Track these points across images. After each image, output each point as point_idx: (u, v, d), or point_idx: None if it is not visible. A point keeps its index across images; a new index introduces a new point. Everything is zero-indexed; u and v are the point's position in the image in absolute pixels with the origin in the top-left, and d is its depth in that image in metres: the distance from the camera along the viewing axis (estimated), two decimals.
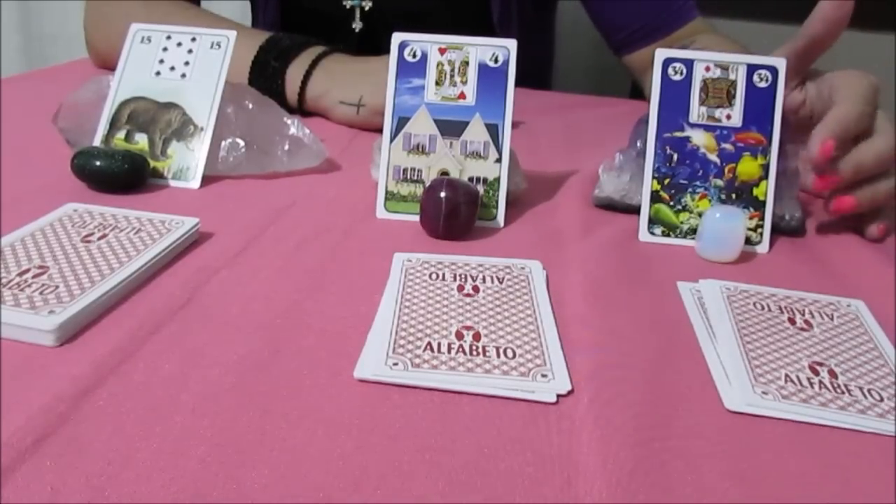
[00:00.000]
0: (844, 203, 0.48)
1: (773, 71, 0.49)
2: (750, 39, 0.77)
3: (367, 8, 0.88)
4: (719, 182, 0.49)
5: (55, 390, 0.29)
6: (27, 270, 0.37)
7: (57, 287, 0.35)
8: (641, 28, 0.86)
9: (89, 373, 0.31)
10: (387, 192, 0.50)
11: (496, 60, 0.50)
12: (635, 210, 0.50)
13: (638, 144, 0.51)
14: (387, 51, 0.51)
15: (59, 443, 0.27)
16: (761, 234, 0.48)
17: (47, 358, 0.32)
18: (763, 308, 0.39)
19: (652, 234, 0.48)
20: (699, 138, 0.49)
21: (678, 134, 0.49)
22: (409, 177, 0.50)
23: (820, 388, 0.32)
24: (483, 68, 0.50)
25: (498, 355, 0.33)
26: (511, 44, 0.50)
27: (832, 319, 0.38)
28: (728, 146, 0.49)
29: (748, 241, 0.47)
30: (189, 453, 0.27)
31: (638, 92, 0.94)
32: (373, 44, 0.84)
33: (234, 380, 0.31)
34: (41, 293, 0.35)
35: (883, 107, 0.53)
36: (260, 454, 0.27)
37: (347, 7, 0.88)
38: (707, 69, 0.49)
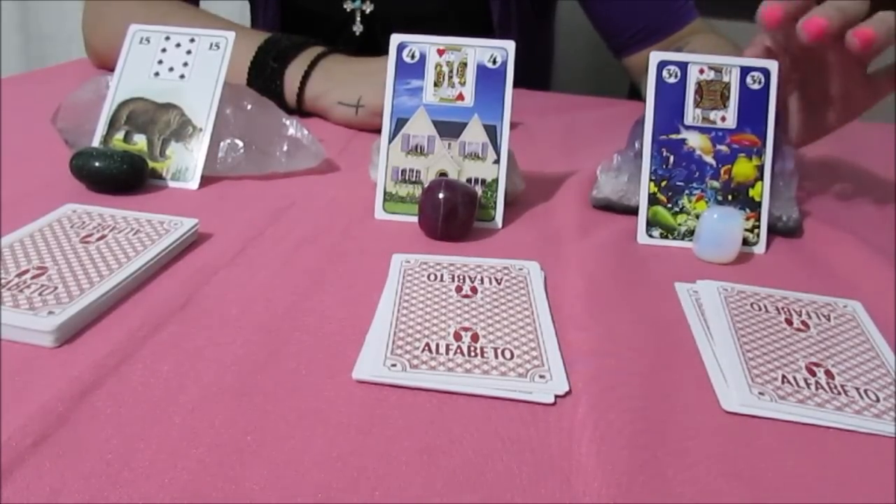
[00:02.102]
0: (812, 25, 0.45)
1: (766, 73, 0.49)
2: (749, 40, 0.76)
3: (367, 11, 0.88)
4: (715, 184, 0.49)
5: (55, 391, 0.29)
6: (26, 271, 0.37)
7: (56, 288, 0.35)
8: (641, 30, 0.86)
9: (89, 373, 0.31)
10: (385, 193, 0.50)
11: (494, 62, 0.51)
12: (633, 211, 0.50)
13: (636, 145, 0.51)
14: (387, 54, 0.51)
15: (58, 443, 0.27)
16: (758, 234, 0.48)
17: (46, 359, 0.32)
18: (760, 309, 0.39)
19: (650, 236, 0.48)
20: (695, 140, 0.49)
21: (674, 136, 0.49)
22: (407, 178, 0.50)
23: (817, 388, 0.32)
24: (481, 69, 0.50)
25: (496, 356, 0.33)
26: (509, 45, 0.51)
27: (829, 320, 0.38)
28: (723, 148, 0.49)
29: (745, 241, 0.47)
30: (188, 453, 0.27)
31: (636, 93, 0.94)
32: (373, 47, 0.84)
33: (232, 380, 0.31)
34: (40, 294, 0.35)
35: (882, 107, 0.53)
36: (259, 454, 0.27)
37: (348, 10, 0.88)
38: (701, 71, 0.50)
